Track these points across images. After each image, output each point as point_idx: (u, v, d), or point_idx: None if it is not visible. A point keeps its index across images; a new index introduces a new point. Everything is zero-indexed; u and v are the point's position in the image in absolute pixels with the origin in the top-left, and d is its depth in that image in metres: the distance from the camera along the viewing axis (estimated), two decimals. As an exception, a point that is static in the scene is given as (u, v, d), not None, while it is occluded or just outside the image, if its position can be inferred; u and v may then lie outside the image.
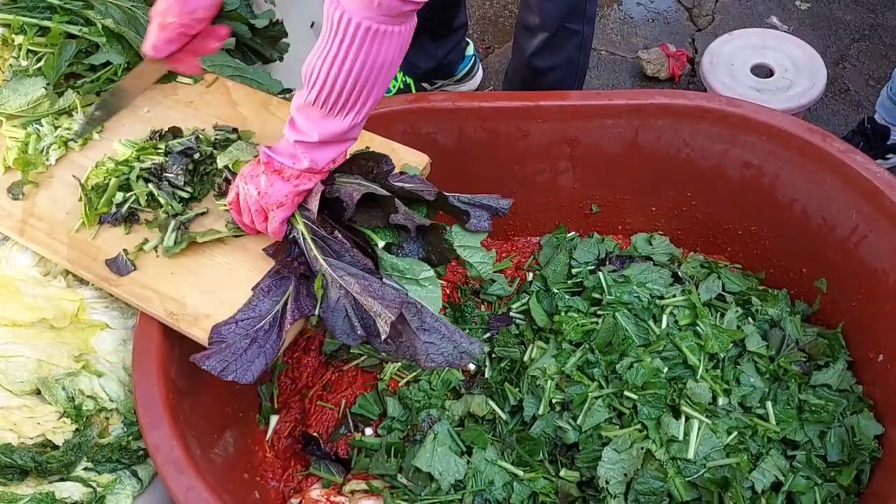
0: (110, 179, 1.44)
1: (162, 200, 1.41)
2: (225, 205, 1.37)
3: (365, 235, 1.26)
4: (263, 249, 1.33)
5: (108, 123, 1.62)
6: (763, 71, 2.54)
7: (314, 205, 1.25)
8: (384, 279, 1.21)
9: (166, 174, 1.43)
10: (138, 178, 1.44)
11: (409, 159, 1.50)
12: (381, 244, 1.24)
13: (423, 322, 1.19)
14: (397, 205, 1.24)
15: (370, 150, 1.37)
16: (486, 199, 1.36)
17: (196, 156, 1.45)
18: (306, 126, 1.18)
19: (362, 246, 1.26)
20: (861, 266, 1.59)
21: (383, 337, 1.16)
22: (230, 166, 1.39)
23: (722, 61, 2.54)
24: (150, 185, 1.42)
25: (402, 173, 1.39)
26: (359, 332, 1.20)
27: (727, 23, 2.96)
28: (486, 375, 1.62)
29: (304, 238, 1.26)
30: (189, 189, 1.43)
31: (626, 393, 1.48)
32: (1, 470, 1.22)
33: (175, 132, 1.52)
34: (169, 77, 1.69)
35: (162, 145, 1.48)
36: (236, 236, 1.37)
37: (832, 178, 1.60)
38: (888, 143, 2.42)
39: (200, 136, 1.49)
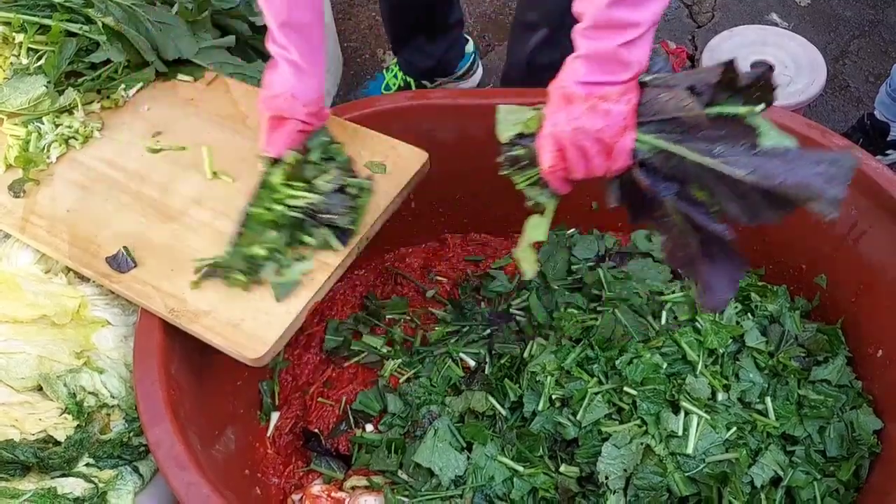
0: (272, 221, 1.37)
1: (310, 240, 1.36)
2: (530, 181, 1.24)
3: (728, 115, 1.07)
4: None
5: (108, 121, 1.62)
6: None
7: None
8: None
9: (327, 215, 1.37)
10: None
11: (408, 156, 1.51)
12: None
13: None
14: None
15: None
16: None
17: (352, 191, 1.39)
18: (620, 19, 1.02)
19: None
20: (860, 262, 1.59)
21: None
22: (522, 130, 1.23)
23: (722, 58, 2.53)
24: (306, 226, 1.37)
25: None
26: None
27: (727, 19, 2.96)
28: (487, 372, 1.63)
29: (652, 153, 1.10)
30: (353, 227, 1.38)
31: (626, 389, 1.48)
32: (3, 466, 1.23)
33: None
34: (168, 75, 1.70)
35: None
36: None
37: (831, 174, 1.60)
38: (888, 139, 2.42)
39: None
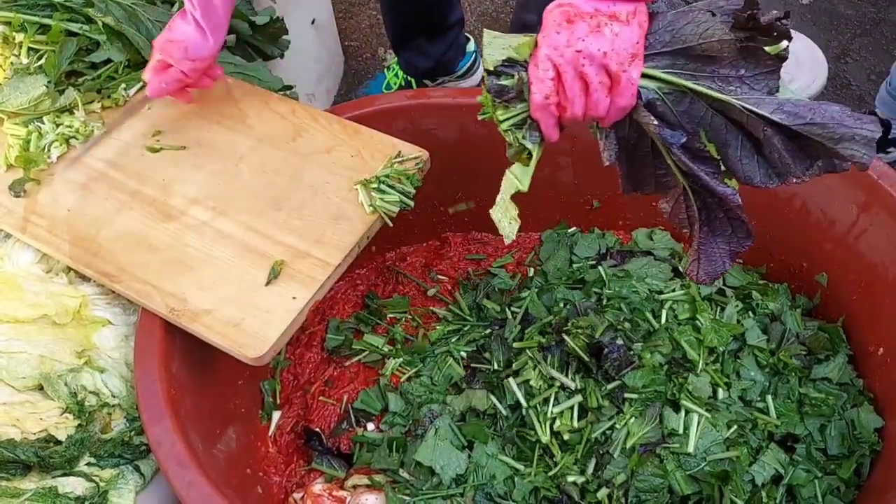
0: None
1: None
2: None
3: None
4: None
5: (109, 121, 1.63)
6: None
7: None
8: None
9: None
10: None
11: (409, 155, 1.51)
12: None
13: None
14: None
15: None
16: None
17: None
18: None
19: None
20: (861, 260, 1.59)
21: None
22: (512, 56, 1.04)
23: (723, 56, 2.53)
24: None
25: None
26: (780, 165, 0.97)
27: (728, 18, 2.95)
28: (487, 370, 1.62)
29: (660, 92, 0.97)
30: None
31: (627, 385, 1.48)
32: (4, 465, 1.23)
33: None
34: (170, 74, 1.70)
35: None
36: None
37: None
38: (889, 137, 2.42)
39: None
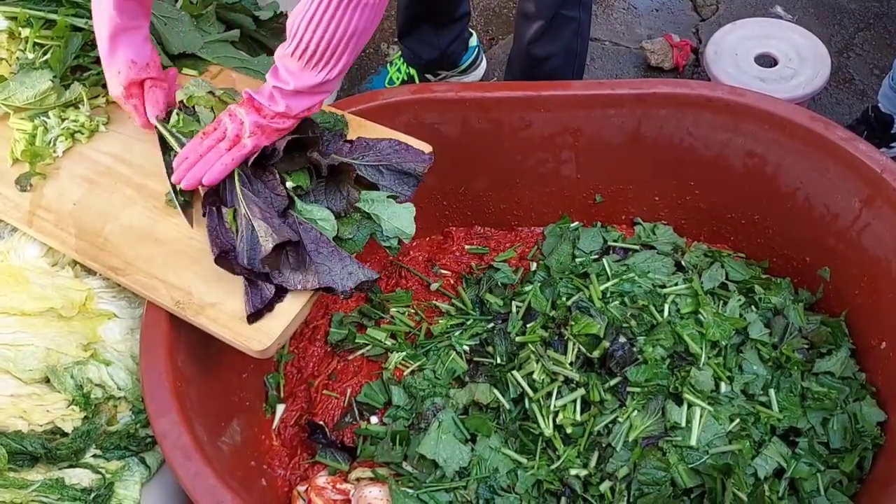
0: None
1: None
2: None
3: (282, 177, 1.35)
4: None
5: (114, 115, 1.63)
6: (767, 60, 2.54)
7: (281, 144, 1.33)
8: (293, 219, 1.33)
9: None
10: None
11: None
12: (290, 185, 1.34)
13: (319, 248, 1.30)
14: (320, 146, 1.36)
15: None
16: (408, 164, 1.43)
17: None
18: (285, 75, 1.28)
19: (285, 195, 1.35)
20: (864, 254, 1.59)
21: (263, 254, 1.25)
22: (185, 101, 1.46)
23: (726, 51, 2.54)
24: None
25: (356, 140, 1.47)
26: (255, 255, 1.27)
27: (731, 12, 2.95)
28: (494, 363, 1.63)
29: (234, 173, 1.33)
30: None
31: (629, 380, 1.49)
32: (12, 456, 1.24)
33: None
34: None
35: None
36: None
37: (835, 167, 1.60)
38: (892, 131, 2.42)
39: None
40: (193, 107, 1.48)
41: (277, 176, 1.35)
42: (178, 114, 1.45)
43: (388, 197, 1.39)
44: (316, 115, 1.48)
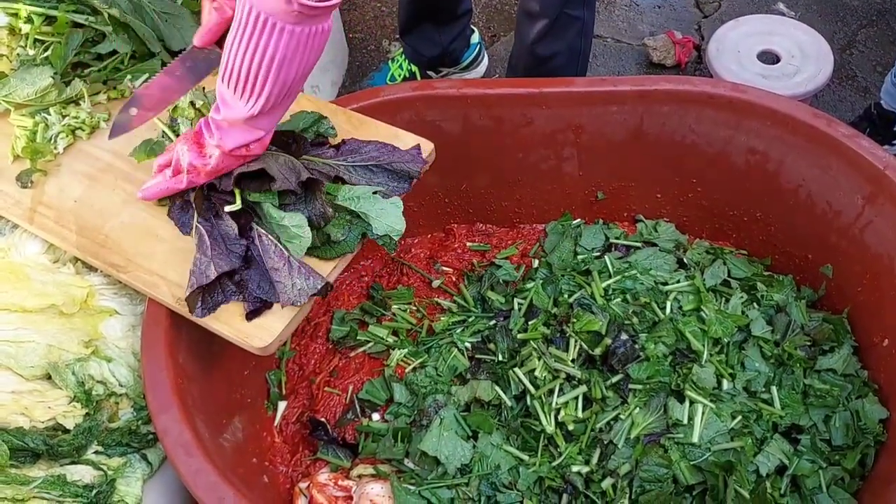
0: None
1: None
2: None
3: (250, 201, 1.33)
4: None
5: (114, 112, 1.62)
6: (770, 57, 2.53)
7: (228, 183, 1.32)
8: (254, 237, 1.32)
9: None
10: None
11: (412, 146, 1.51)
12: (237, 204, 1.32)
13: (275, 265, 1.30)
14: (278, 176, 1.31)
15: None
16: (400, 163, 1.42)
17: None
18: (219, 103, 1.24)
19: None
20: (866, 251, 1.59)
21: (198, 283, 1.26)
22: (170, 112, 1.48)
23: (728, 48, 2.53)
24: None
25: (342, 143, 1.46)
26: (210, 271, 1.28)
27: (733, 9, 2.95)
28: (496, 360, 1.62)
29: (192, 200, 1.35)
30: None
31: (631, 377, 1.49)
32: (13, 453, 1.24)
33: None
34: (175, 64, 1.70)
35: None
36: None
37: (837, 163, 1.60)
38: (894, 128, 2.41)
39: None
40: (177, 118, 1.50)
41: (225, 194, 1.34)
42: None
43: (373, 193, 1.37)
44: (299, 120, 1.48)
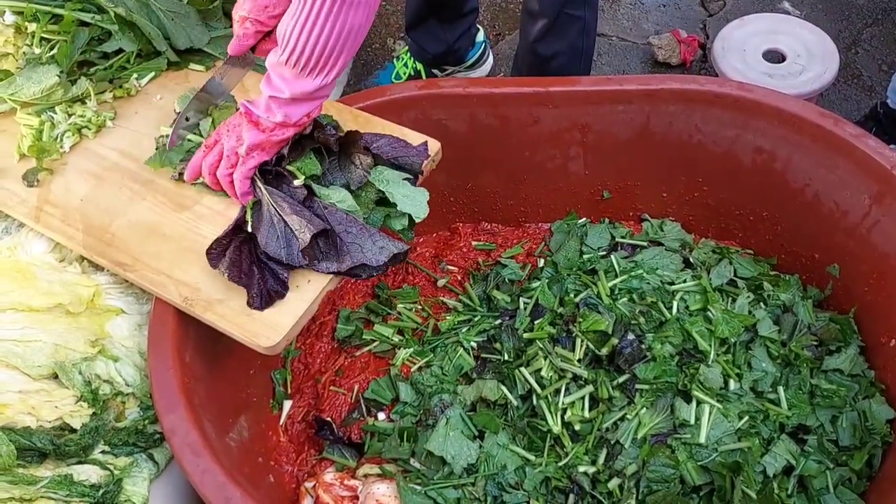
0: None
1: None
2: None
3: (292, 173, 1.36)
4: None
5: (120, 110, 1.63)
6: (775, 56, 2.53)
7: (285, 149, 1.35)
8: (317, 205, 1.35)
9: None
10: None
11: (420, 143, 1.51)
12: (301, 178, 1.35)
13: (347, 228, 1.32)
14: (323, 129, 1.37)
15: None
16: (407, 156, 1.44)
17: None
18: (280, 84, 1.25)
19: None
20: (873, 251, 1.58)
21: (300, 247, 1.29)
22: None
23: (734, 47, 2.52)
24: None
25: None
26: (293, 249, 1.30)
27: (739, 8, 2.94)
28: (501, 359, 1.62)
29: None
30: None
31: (638, 377, 1.49)
32: (21, 452, 1.24)
33: None
34: (180, 64, 1.70)
35: None
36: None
37: (844, 163, 1.59)
38: (901, 128, 2.40)
39: None
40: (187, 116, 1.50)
41: (287, 171, 1.36)
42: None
43: (403, 179, 1.39)
44: None
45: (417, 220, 1.40)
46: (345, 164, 1.39)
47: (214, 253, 1.32)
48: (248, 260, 1.32)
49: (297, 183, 1.34)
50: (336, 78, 1.27)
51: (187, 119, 1.50)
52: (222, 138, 1.36)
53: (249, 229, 1.32)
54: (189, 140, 1.50)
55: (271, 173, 1.36)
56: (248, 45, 1.44)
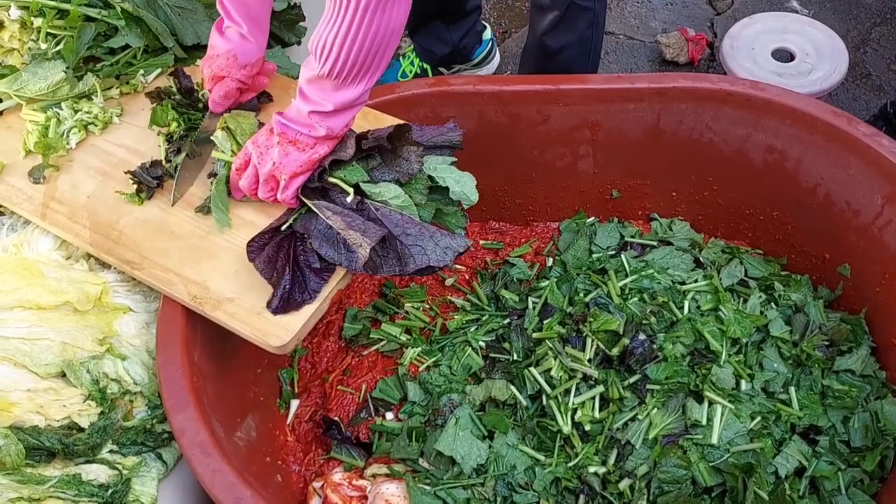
0: None
1: None
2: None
3: (339, 187, 1.32)
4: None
5: (127, 107, 1.62)
6: (784, 55, 2.51)
7: (350, 152, 1.30)
8: (369, 209, 1.30)
9: None
10: None
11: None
12: (351, 193, 1.30)
13: (406, 230, 1.28)
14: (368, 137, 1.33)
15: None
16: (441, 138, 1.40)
17: None
18: (320, 97, 1.22)
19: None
20: (885, 251, 1.57)
21: (361, 263, 1.25)
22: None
23: (742, 46, 2.51)
24: None
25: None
26: (352, 255, 1.27)
27: (747, 6, 2.93)
28: (510, 359, 1.61)
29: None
30: None
31: (649, 378, 1.47)
32: (29, 451, 1.23)
33: None
34: (187, 60, 1.69)
35: None
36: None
37: (857, 163, 1.58)
38: (910, 127, 2.39)
39: None
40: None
41: (332, 184, 1.33)
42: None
43: (450, 164, 1.37)
44: None
45: (467, 206, 1.36)
46: (390, 160, 1.34)
47: (255, 246, 1.30)
48: (283, 260, 1.29)
49: (348, 200, 1.30)
50: (377, 79, 1.24)
51: (182, 178, 1.46)
52: (252, 158, 1.31)
53: (294, 229, 1.30)
54: (217, 159, 1.43)
55: (317, 189, 1.32)
56: (232, 105, 1.46)
